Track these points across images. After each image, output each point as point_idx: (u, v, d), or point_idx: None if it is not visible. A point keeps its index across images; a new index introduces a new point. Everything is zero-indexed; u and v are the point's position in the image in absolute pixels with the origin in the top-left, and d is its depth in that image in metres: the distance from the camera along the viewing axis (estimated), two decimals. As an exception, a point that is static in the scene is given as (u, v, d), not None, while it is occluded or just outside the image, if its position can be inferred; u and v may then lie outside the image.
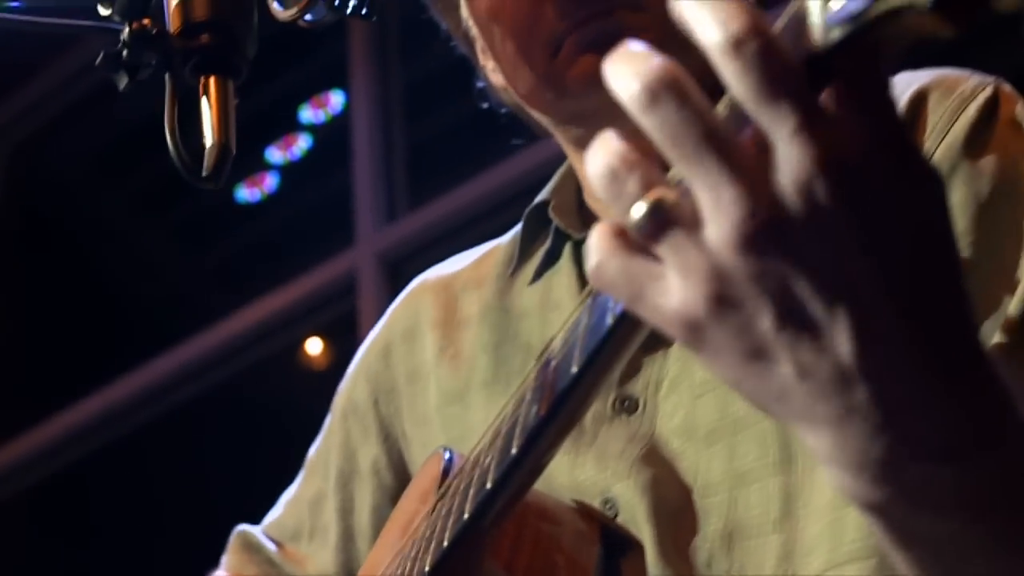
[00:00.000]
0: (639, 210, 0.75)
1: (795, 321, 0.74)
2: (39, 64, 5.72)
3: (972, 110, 1.27)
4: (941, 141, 1.27)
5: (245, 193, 6.19)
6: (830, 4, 0.70)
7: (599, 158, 0.76)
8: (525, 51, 1.47)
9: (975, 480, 0.78)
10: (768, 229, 0.72)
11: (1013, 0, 0.62)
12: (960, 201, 1.23)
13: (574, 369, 0.90)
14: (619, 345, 0.86)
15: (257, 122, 5.69)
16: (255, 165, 6.10)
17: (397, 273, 4.64)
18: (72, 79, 5.57)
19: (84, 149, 6.30)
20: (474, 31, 1.58)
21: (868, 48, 0.71)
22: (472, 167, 4.52)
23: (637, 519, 1.31)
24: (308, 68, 5.55)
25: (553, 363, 0.95)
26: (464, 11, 1.58)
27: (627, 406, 1.38)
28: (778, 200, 0.72)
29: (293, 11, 1.34)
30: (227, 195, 5.99)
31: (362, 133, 4.90)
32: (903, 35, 0.69)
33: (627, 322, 0.85)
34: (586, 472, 1.37)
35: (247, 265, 6.31)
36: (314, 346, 5.69)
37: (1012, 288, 1.18)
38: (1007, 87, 1.31)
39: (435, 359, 1.60)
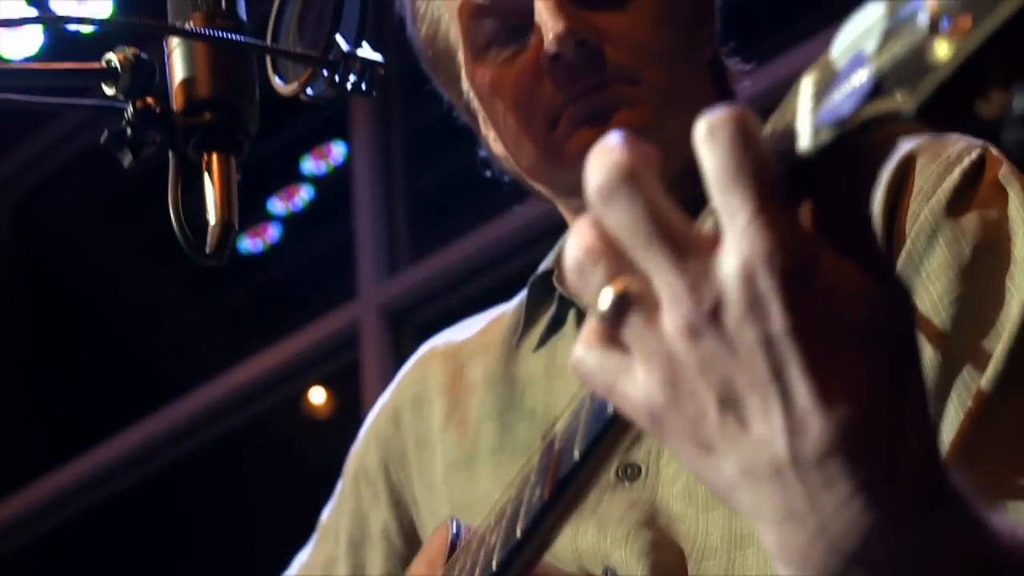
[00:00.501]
0: (604, 300, 0.77)
1: (737, 415, 0.75)
2: (43, 115, 5.75)
3: (957, 173, 1.28)
4: (926, 203, 1.28)
5: (248, 244, 6.22)
6: (818, 107, 0.72)
7: (569, 251, 0.79)
8: (525, 124, 1.50)
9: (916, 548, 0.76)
10: (710, 318, 0.73)
11: (996, 108, 0.63)
12: (942, 262, 1.24)
13: (576, 455, 0.92)
14: (620, 432, 0.88)
15: (259, 173, 5.72)
16: (257, 216, 6.13)
17: (399, 325, 4.67)
18: (76, 130, 5.60)
19: (87, 199, 6.32)
20: (475, 103, 1.60)
21: (848, 155, 0.73)
22: (473, 219, 4.54)
23: None
24: (310, 119, 5.59)
25: (557, 446, 0.96)
26: (465, 84, 1.60)
27: (629, 473, 1.39)
28: (722, 290, 0.73)
29: (294, 86, 1.37)
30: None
31: (363, 185, 4.92)
32: (886, 139, 0.71)
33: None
34: (587, 540, 1.37)
35: (250, 315, 6.32)
36: (317, 396, 5.70)
37: (990, 351, 1.18)
38: (994, 150, 1.32)
39: (442, 426, 1.62)
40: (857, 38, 0.70)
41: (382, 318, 4.64)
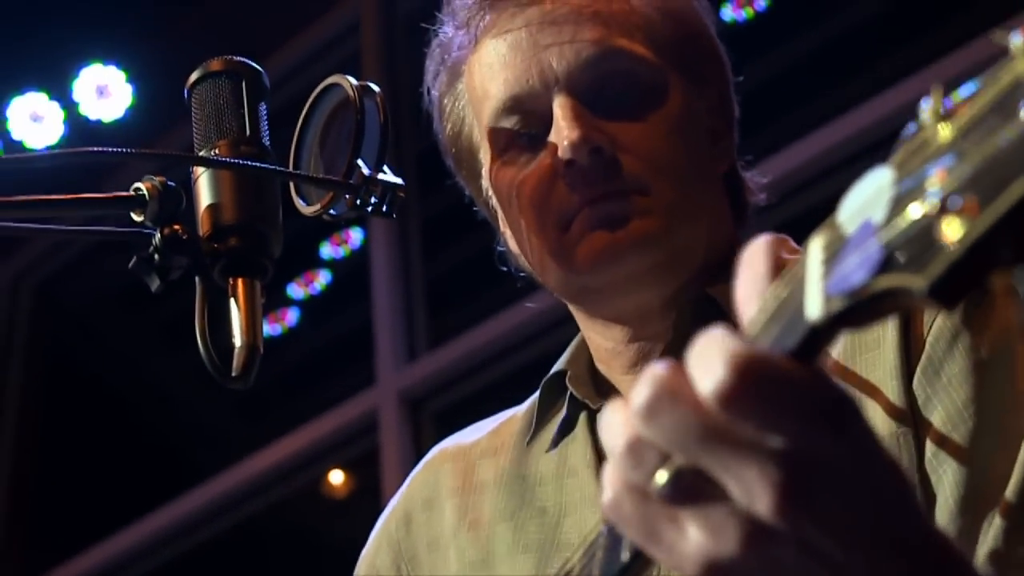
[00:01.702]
0: (662, 477, 0.78)
1: (819, 564, 0.78)
2: (88, 237, 5.81)
3: None
4: (939, 313, 1.28)
5: (266, 328, 6.25)
6: (829, 274, 0.73)
7: (614, 432, 0.81)
8: (539, 226, 1.53)
9: None
10: (802, 495, 0.76)
11: (1006, 281, 0.65)
12: (963, 369, 1.27)
13: None
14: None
15: (278, 257, 5.75)
16: (276, 300, 6.16)
17: (418, 411, 4.69)
18: (97, 218, 5.64)
19: (107, 285, 6.36)
20: (494, 201, 1.63)
21: (853, 325, 0.75)
22: (490, 305, 4.57)
23: None
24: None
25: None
26: (485, 181, 1.63)
27: None
28: (798, 467, 0.76)
29: (316, 208, 1.40)
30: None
31: (381, 272, 4.96)
32: (892, 311, 0.73)
33: (642, 559, 0.88)
34: None
35: (269, 399, 6.34)
36: (337, 480, 5.71)
37: (1013, 459, 1.21)
38: None
39: (454, 528, 1.63)
40: (864, 204, 0.72)
41: (401, 404, 4.66)
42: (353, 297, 5.48)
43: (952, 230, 0.65)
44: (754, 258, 0.81)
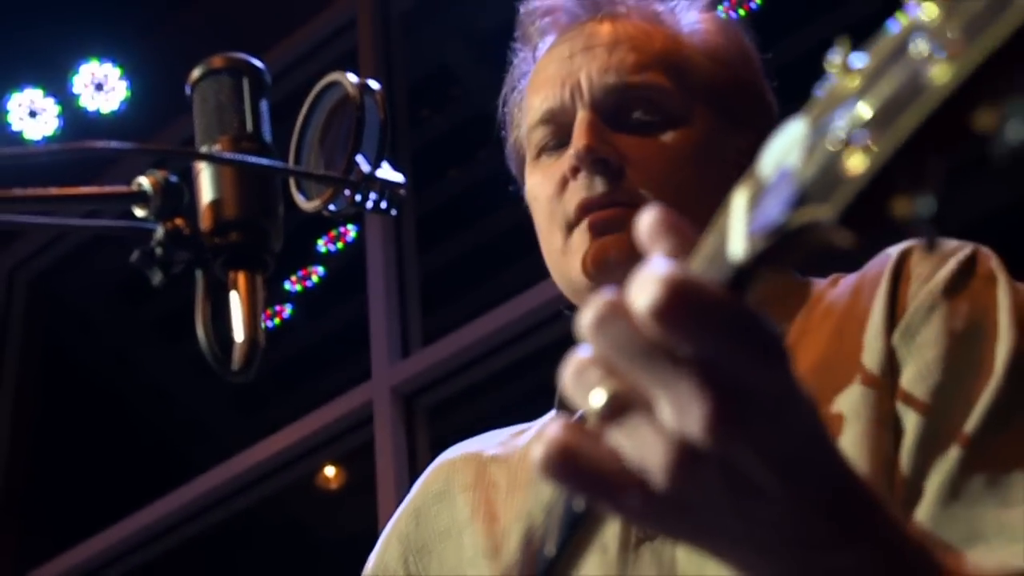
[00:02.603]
0: (598, 398, 0.82)
1: (745, 491, 0.83)
2: (90, 232, 5.81)
3: (953, 263, 1.42)
4: (925, 285, 1.41)
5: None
6: (752, 216, 0.79)
7: (566, 370, 0.84)
8: (549, 229, 1.64)
9: (856, 566, 0.88)
10: (732, 416, 0.80)
11: (906, 211, 0.70)
12: (936, 333, 1.37)
13: (552, 550, 0.98)
14: (589, 527, 0.94)
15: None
16: (272, 295, 6.17)
17: (411, 405, 4.72)
18: (92, 212, 5.66)
19: (103, 280, 6.38)
20: (532, 212, 1.73)
21: (780, 261, 0.80)
22: (484, 301, 4.60)
23: None
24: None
25: (534, 545, 1.02)
26: (527, 192, 1.74)
27: (649, 532, 1.43)
28: (734, 390, 0.80)
29: (316, 203, 1.42)
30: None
31: (376, 269, 4.98)
32: (811, 245, 0.77)
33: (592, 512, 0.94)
34: None
35: (264, 393, 6.35)
36: (331, 474, 5.73)
37: (969, 413, 1.31)
38: (985, 249, 1.46)
39: (469, 518, 1.65)
40: (782, 153, 0.77)
41: (394, 399, 4.69)
42: (348, 292, 5.50)
43: (856, 162, 0.71)
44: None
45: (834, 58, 0.76)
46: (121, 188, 1.31)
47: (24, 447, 5.96)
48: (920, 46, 0.69)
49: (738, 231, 0.79)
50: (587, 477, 0.84)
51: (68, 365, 6.42)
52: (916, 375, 1.36)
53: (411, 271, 5.01)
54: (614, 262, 1.54)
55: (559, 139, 1.66)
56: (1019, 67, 0.67)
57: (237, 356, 1.27)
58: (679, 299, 0.78)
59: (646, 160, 1.59)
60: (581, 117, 1.62)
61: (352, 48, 5.48)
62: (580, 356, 0.84)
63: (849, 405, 1.37)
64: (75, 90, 5.49)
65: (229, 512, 5.26)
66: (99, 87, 5.49)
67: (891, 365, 1.38)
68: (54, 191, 1.30)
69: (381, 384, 4.74)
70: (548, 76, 1.69)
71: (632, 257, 1.51)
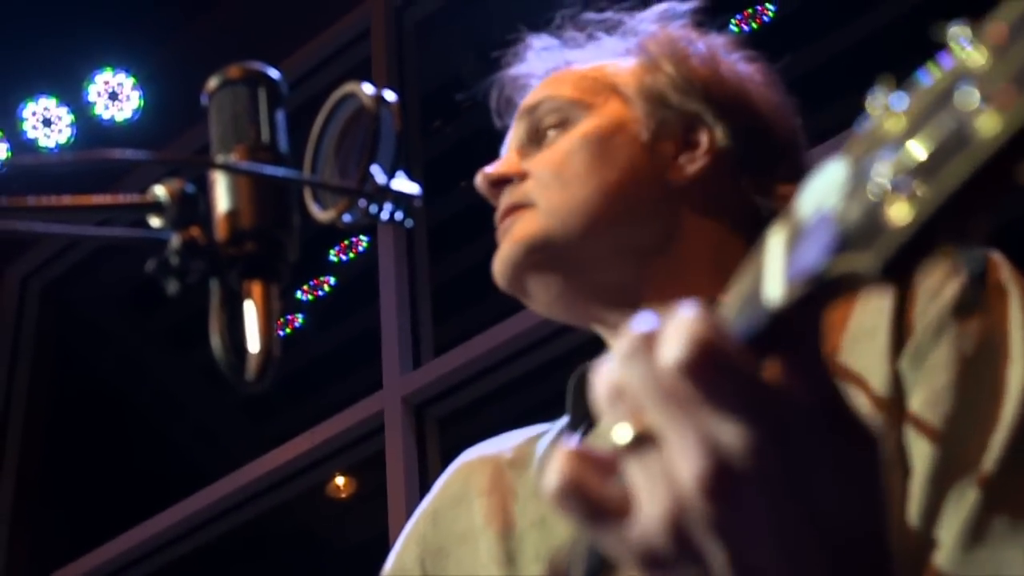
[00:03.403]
0: (624, 433, 0.82)
1: (741, 566, 0.80)
2: (106, 242, 5.82)
3: (963, 274, 1.36)
4: (933, 302, 1.35)
5: (273, 331, 6.26)
6: (790, 261, 0.77)
7: (600, 376, 0.85)
8: None
9: None
10: (724, 483, 0.78)
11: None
12: (946, 358, 1.30)
13: None
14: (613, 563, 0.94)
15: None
16: (283, 304, 6.17)
17: (422, 415, 4.71)
18: (103, 221, 5.65)
19: (114, 288, 6.39)
20: None
21: (819, 308, 0.79)
22: (495, 311, 4.60)
23: None
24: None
25: (559, 570, 1.01)
26: None
27: None
28: (728, 461, 0.78)
29: (332, 214, 1.42)
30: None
31: (388, 279, 4.98)
32: (849, 292, 0.76)
33: None
34: None
35: (275, 402, 6.36)
36: (342, 484, 5.73)
37: (985, 443, 1.24)
38: (997, 255, 1.39)
39: (484, 523, 1.65)
40: (821, 195, 0.75)
41: (406, 409, 4.69)
42: (359, 302, 5.50)
43: (900, 212, 0.69)
44: None
45: (876, 97, 0.74)
46: (137, 198, 1.32)
47: (36, 456, 5.97)
48: (967, 95, 0.66)
49: (775, 275, 0.78)
50: (591, 509, 0.83)
51: (80, 374, 6.43)
52: (926, 403, 1.30)
53: (422, 281, 5.02)
54: (507, 262, 1.66)
55: None
56: None
57: (252, 366, 1.27)
58: (704, 362, 0.78)
59: (538, 164, 1.70)
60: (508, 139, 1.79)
61: (366, 58, 5.49)
62: (614, 377, 0.84)
63: None
64: (89, 99, 5.50)
65: (239, 521, 5.26)
66: (113, 96, 5.50)
67: (898, 392, 1.33)
68: (68, 200, 1.30)
69: (392, 394, 4.74)
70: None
71: (515, 255, 1.64)
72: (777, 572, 0.79)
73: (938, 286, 1.35)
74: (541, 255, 1.63)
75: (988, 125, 0.65)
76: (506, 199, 1.68)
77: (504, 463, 1.72)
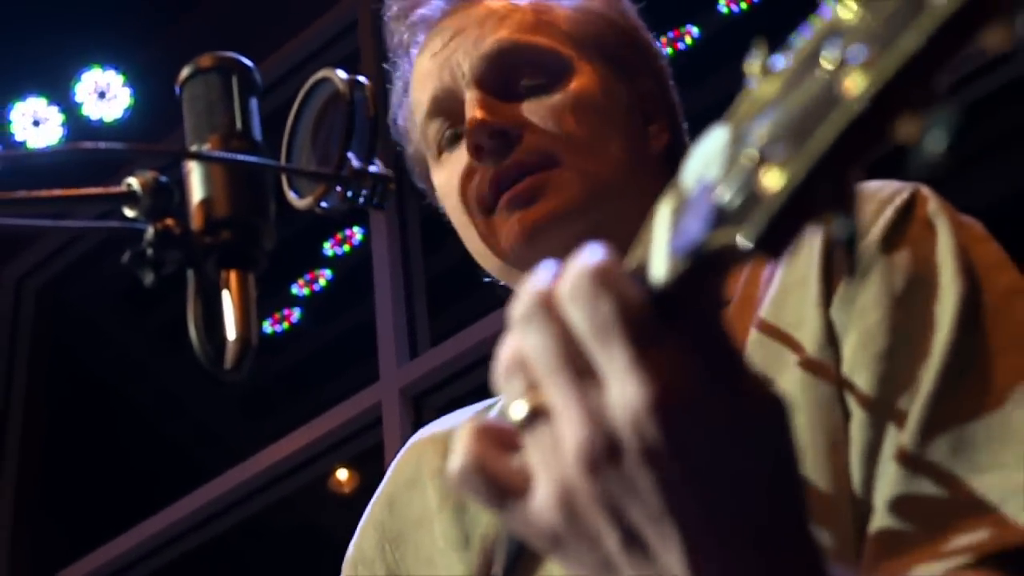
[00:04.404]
0: (519, 410, 0.80)
1: (634, 542, 0.79)
2: (80, 233, 5.82)
3: (889, 212, 1.33)
4: (861, 242, 1.31)
5: (270, 327, 6.27)
6: (674, 234, 0.75)
7: (500, 355, 0.83)
8: (468, 216, 1.60)
9: None
10: (602, 457, 0.76)
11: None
12: (876, 294, 1.28)
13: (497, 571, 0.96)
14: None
15: (280, 256, 5.78)
16: (279, 299, 6.18)
17: (420, 406, 4.71)
18: (98, 219, 5.65)
19: (110, 287, 6.39)
20: (447, 211, 1.70)
21: (701, 281, 0.76)
22: (491, 301, 4.59)
23: None
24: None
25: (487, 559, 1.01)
26: (437, 191, 1.71)
27: None
28: (612, 432, 0.76)
29: (309, 201, 1.42)
30: (252, 328, 6.03)
31: (383, 271, 4.98)
32: (734, 264, 0.73)
33: None
34: None
35: (273, 397, 6.36)
36: (343, 477, 5.74)
37: (921, 374, 1.22)
38: (925, 190, 1.37)
39: (438, 506, 1.63)
40: (704, 163, 0.73)
41: (403, 400, 4.68)
42: (355, 295, 5.50)
43: (771, 180, 0.67)
44: None
45: (754, 61, 0.71)
46: (110, 189, 1.31)
47: (35, 455, 5.97)
48: (833, 53, 0.65)
49: (660, 249, 0.76)
50: (491, 489, 0.82)
51: (77, 372, 6.43)
52: (859, 344, 1.27)
53: (417, 272, 5.01)
54: (541, 230, 1.52)
55: (454, 128, 1.63)
56: (937, 73, 0.62)
57: (229, 355, 1.27)
58: (599, 280, 0.76)
59: (544, 119, 1.57)
60: (468, 97, 1.59)
61: (354, 51, 5.48)
62: (512, 348, 0.82)
63: (788, 390, 1.28)
64: (78, 98, 5.49)
65: (241, 517, 5.26)
66: (102, 95, 5.49)
67: (831, 338, 1.30)
68: (43, 193, 1.30)
69: (389, 386, 4.74)
70: (426, 69, 1.67)
71: (556, 224, 1.52)
72: (675, 547, 0.78)
73: (865, 227, 1.33)
74: (576, 228, 1.51)
75: (854, 84, 0.63)
76: (519, 156, 1.55)
77: (454, 440, 1.69)
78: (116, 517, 5.45)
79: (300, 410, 5.23)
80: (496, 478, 0.82)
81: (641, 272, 0.78)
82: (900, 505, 1.18)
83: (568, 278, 0.78)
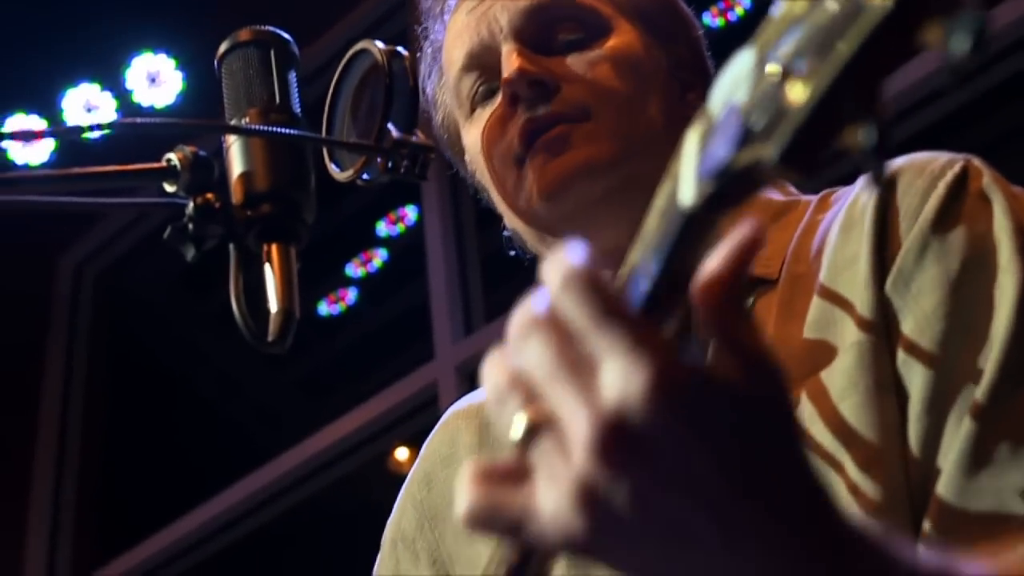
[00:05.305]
0: (518, 427, 0.80)
1: (664, 524, 0.78)
2: (122, 209, 5.85)
3: (941, 188, 1.29)
4: (914, 222, 1.28)
5: (326, 308, 6.29)
6: (701, 158, 0.74)
7: (487, 381, 0.82)
8: (501, 169, 1.57)
9: None
10: (616, 443, 0.76)
11: (856, 143, 0.66)
12: (931, 278, 1.25)
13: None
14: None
15: (336, 238, 5.80)
16: (335, 280, 6.19)
17: (476, 382, 4.70)
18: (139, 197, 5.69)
19: (168, 271, 6.42)
20: (477, 172, 1.67)
21: (732, 206, 0.75)
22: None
23: None
24: (383, 185, 5.64)
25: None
26: (467, 154, 1.68)
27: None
28: (621, 417, 0.75)
29: (350, 173, 1.41)
30: (309, 310, 6.06)
31: (436, 249, 4.98)
32: (762, 185, 0.73)
33: None
34: None
35: (331, 378, 6.38)
36: (402, 455, 5.74)
37: (981, 361, 1.19)
38: (977, 162, 1.33)
39: None
40: (731, 87, 0.73)
41: (459, 377, 4.68)
42: (410, 274, 5.50)
43: (795, 93, 0.67)
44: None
45: None
46: (150, 164, 1.31)
47: (97, 439, 6.02)
48: None
49: (688, 175, 0.76)
50: (508, 526, 0.82)
51: (136, 356, 6.47)
52: (915, 329, 1.24)
53: (471, 248, 5.00)
54: (569, 180, 1.50)
55: (488, 84, 1.61)
56: None
57: (272, 327, 1.27)
58: (584, 284, 0.77)
59: (582, 73, 1.54)
60: (506, 49, 1.56)
61: (402, 30, 5.48)
62: (502, 370, 0.82)
63: (844, 371, 1.27)
64: (129, 84, 5.51)
65: (301, 497, 5.28)
66: (153, 80, 5.51)
67: (886, 319, 1.27)
68: (84, 170, 1.30)
69: (445, 363, 4.74)
70: (462, 24, 1.64)
71: (586, 175, 1.49)
72: (702, 522, 0.77)
73: (919, 203, 1.29)
74: (606, 181, 1.50)
75: None
76: (556, 107, 1.51)
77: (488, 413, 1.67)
78: (177, 499, 5.49)
79: (358, 390, 5.24)
80: (508, 511, 0.81)
81: (667, 209, 0.78)
82: (968, 475, 1.16)
83: (559, 274, 0.78)
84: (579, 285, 0.77)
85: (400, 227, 6.08)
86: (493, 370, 0.82)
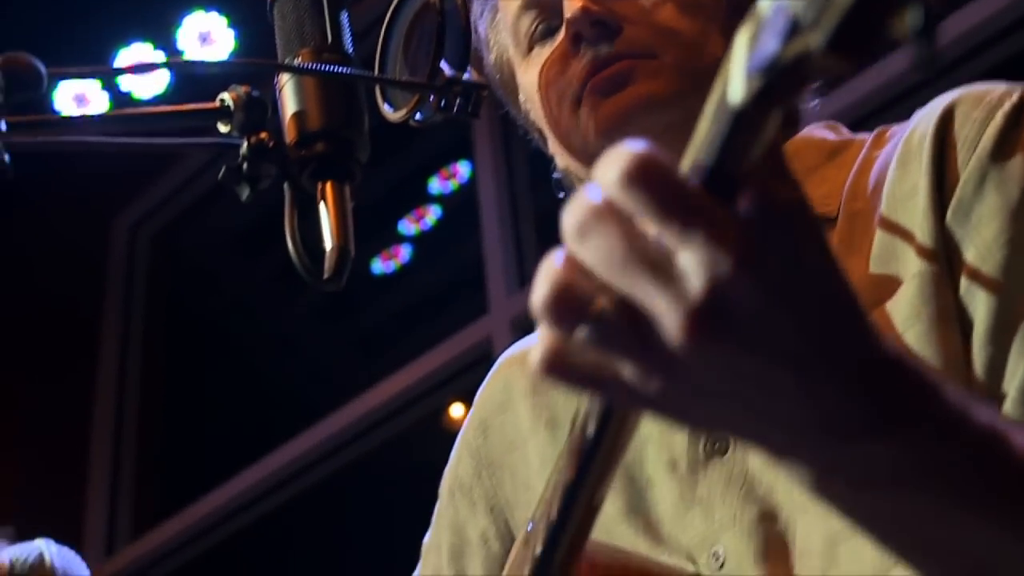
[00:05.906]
0: (583, 328, 0.79)
1: (751, 383, 0.80)
2: (176, 150, 5.87)
3: (999, 118, 1.29)
4: (972, 152, 1.28)
5: (380, 265, 6.30)
6: (750, 55, 0.74)
7: (547, 278, 0.80)
8: (558, 107, 1.55)
9: (899, 459, 0.83)
10: (708, 325, 0.77)
11: (902, 28, 0.65)
12: (991, 206, 1.25)
13: (591, 431, 0.95)
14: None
15: (389, 196, 5.81)
16: (389, 238, 6.20)
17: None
18: (209, 164, 5.73)
19: (222, 231, 6.45)
20: (528, 107, 1.65)
21: (778, 100, 0.75)
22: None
23: (743, 564, 1.32)
24: (434, 141, 5.64)
25: (579, 426, 0.99)
26: (522, 94, 1.66)
27: (718, 448, 1.38)
28: (709, 303, 0.76)
29: (403, 112, 1.40)
30: (363, 268, 6.08)
31: (489, 203, 4.98)
32: (812, 78, 0.73)
33: (608, 428, 0.93)
34: (696, 527, 1.38)
35: (385, 335, 6.40)
36: (457, 412, 5.76)
37: None
38: None
39: (531, 426, 1.61)
40: None
41: (514, 331, 4.68)
42: (464, 230, 5.50)
43: None
44: None
45: None
46: (204, 104, 1.32)
47: (155, 399, 6.07)
48: None
49: (738, 73, 0.75)
50: (585, 376, 0.82)
51: (192, 317, 6.51)
52: (977, 257, 1.24)
53: (524, 203, 5.00)
54: (630, 115, 1.47)
55: (548, 23, 1.58)
56: None
57: (328, 264, 1.27)
58: (648, 167, 0.76)
59: (644, 14, 1.51)
60: None
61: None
62: (557, 275, 0.80)
63: (907, 301, 1.27)
64: (181, 44, 5.53)
65: (356, 454, 5.31)
66: (204, 39, 5.52)
67: (947, 250, 1.27)
68: (137, 110, 1.31)
69: (500, 317, 4.74)
70: None
71: (647, 109, 1.48)
72: (788, 378, 0.80)
73: (976, 134, 1.29)
74: (667, 117, 1.47)
75: None
76: (619, 47, 1.49)
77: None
78: (233, 457, 5.53)
79: (412, 347, 5.25)
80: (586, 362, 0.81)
81: (718, 109, 0.78)
82: None
83: (621, 166, 0.77)
84: (646, 173, 0.76)
85: (453, 183, 6.08)
86: (552, 270, 0.80)
